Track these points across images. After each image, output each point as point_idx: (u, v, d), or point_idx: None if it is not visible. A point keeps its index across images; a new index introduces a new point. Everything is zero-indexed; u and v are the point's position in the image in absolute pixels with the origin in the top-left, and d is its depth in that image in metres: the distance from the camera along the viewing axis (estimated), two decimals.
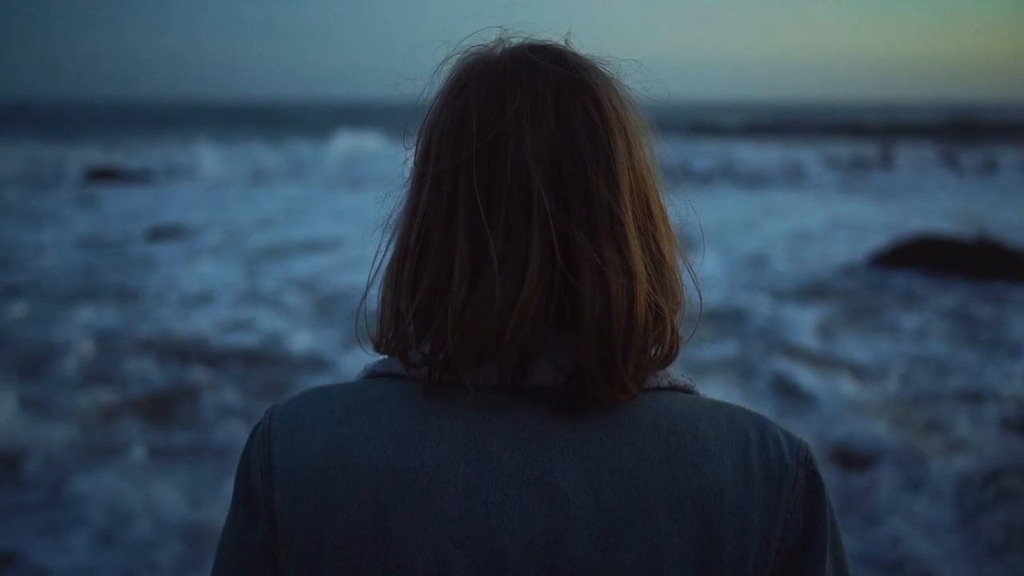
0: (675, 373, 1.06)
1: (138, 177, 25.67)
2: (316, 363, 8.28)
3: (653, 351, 1.02)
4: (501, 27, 1.06)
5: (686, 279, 1.07)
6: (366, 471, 0.98)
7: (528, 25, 1.05)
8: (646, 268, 1.00)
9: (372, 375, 1.06)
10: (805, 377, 7.89)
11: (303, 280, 12.02)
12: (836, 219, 18.26)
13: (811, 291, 11.42)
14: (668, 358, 1.04)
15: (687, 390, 1.05)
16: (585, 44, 1.06)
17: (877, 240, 13.74)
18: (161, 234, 15.62)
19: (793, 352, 8.76)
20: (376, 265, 1.07)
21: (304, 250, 14.28)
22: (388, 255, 1.06)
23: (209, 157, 29.19)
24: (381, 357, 1.07)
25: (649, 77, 1.06)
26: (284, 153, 31.54)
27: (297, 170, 26.55)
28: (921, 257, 11.99)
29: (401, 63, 1.06)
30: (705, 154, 29.69)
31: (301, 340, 9.02)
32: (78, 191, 22.83)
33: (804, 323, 9.82)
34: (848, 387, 7.69)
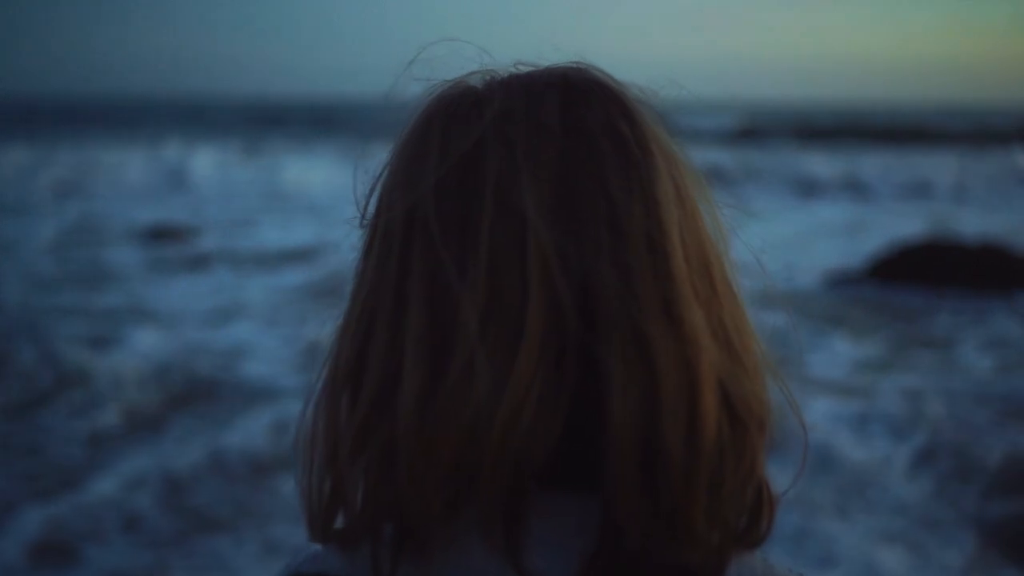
0: (774, 560, 0.72)
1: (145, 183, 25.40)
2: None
3: (733, 496, 0.66)
4: (481, 48, 0.77)
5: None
6: None
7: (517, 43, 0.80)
8: (713, 337, 0.67)
9: None
10: None
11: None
12: None
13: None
14: (757, 521, 0.69)
15: None
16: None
17: None
18: (161, 235, 15.54)
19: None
20: (310, 400, 0.72)
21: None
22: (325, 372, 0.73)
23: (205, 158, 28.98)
24: (314, 548, 0.72)
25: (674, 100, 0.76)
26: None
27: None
28: (930, 266, 11.23)
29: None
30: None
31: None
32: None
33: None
34: None
